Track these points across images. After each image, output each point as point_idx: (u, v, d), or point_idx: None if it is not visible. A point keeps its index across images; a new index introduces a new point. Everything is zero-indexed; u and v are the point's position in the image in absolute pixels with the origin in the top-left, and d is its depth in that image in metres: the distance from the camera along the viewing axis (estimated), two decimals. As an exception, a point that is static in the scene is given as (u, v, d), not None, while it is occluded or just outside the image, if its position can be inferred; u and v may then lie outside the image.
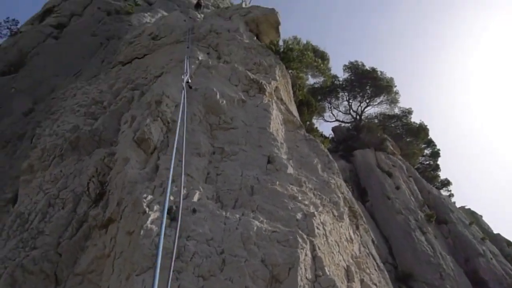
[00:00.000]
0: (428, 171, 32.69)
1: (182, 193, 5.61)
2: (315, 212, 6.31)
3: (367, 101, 33.54)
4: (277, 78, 11.36)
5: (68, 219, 6.84)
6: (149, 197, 6.01)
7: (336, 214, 7.28)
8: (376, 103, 33.56)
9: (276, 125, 9.24)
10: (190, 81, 8.68)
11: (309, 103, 15.82)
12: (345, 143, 29.24)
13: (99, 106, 9.53)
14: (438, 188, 30.33)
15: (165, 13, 24.73)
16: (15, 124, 12.33)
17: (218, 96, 8.84)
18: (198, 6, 29.35)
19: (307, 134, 10.02)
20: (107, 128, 8.50)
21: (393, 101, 33.37)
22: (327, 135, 31.49)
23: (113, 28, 21.55)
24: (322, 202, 7.33)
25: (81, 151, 8.14)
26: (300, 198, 6.73)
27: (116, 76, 11.56)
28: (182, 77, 8.39)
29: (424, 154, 33.75)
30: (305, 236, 5.47)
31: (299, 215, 6.07)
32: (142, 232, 5.16)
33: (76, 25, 23.20)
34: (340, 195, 8.20)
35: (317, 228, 5.91)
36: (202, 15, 27.28)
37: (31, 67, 18.76)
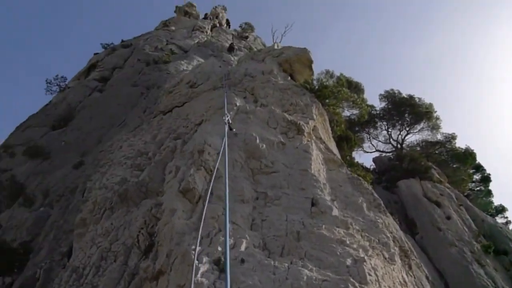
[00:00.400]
0: (480, 198, 31.01)
1: (227, 244, 5.62)
2: (365, 257, 6.15)
3: (407, 129, 32.76)
4: (314, 117, 11.44)
5: (120, 272, 7.03)
6: (198, 248, 6.09)
7: (387, 256, 7.05)
8: (417, 130, 32.68)
9: (317, 166, 9.23)
10: (231, 122, 8.93)
11: (348, 138, 15.72)
12: (388, 174, 28.48)
13: (144, 158, 9.93)
14: (493, 216, 28.59)
15: (200, 59, 25.84)
16: (66, 178, 13.04)
17: (257, 141, 9.00)
18: (231, 49, 30.54)
19: (349, 173, 9.91)
20: (153, 179, 8.80)
21: (435, 127, 32.43)
22: (368, 166, 30.93)
23: (153, 77, 22.71)
24: (371, 244, 7.14)
25: (129, 203, 8.45)
26: (348, 242, 6.60)
27: (158, 126, 12.05)
28: (224, 117, 8.65)
29: (474, 180, 32.16)
30: (357, 284, 5.33)
31: (349, 261, 5.94)
32: (192, 286, 5.22)
33: (118, 77, 24.67)
34: (389, 235, 7.95)
35: (369, 274, 5.74)
36: (236, 58, 28.28)
37: (78, 120, 19.97)
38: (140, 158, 9.95)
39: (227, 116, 8.94)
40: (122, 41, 32.57)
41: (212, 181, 7.45)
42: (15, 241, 10.14)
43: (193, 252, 5.96)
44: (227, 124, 8.66)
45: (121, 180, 9.15)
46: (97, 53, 31.16)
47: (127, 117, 18.04)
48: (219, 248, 6.02)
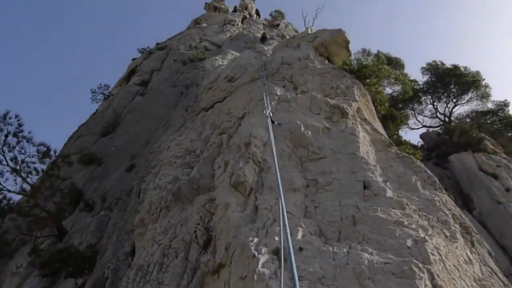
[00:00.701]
0: (542, 164, 29.22)
1: (288, 232, 5.66)
2: (426, 236, 6.01)
3: (454, 100, 31.34)
4: (357, 98, 11.22)
5: (182, 267, 7.30)
6: (255, 239, 6.20)
7: (448, 234, 6.84)
8: (465, 101, 31.17)
9: (366, 148, 9.07)
10: (271, 115, 8.93)
11: (393, 116, 15.28)
12: (438, 149, 27.42)
13: (192, 155, 10.17)
14: (557, 184, 26.86)
15: (234, 53, 25.95)
16: (121, 181, 13.63)
17: (302, 128, 8.97)
18: (264, 39, 30.42)
19: (399, 152, 9.66)
20: (203, 175, 9.02)
21: (484, 96, 30.79)
22: (416, 143, 29.94)
23: (190, 76, 23.12)
24: (430, 223, 6.95)
25: (183, 201, 8.72)
26: (406, 222, 6.46)
27: (202, 123, 12.29)
28: (264, 112, 8.67)
29: (532, 147, 30.34)
30: (420, 265, 5.22)
31: (409, 242, 5.82)
32: (255, 276, 5.33)
33: (157, 80, 25.32)
34: (448, 212, 7.71)
35: (432, 254, 5.60)
36: (270, 47, 28.15)
37: (125, 125, 20.75)
38: (188, 156, 10.20)
39: (268, 109, 8.93)
40: (157, 44, 33.33)
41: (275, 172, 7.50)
42: (81, 244, 10.78)
43: (251, 244, 6.08)
44: (269, 118, 8.65)
45: (173, 179, 9.44)
46: (135, 59, 32.13)
47: (170, 117, 18.50)
48: (276, 238, 6.09)
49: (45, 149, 13.99)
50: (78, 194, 14.86)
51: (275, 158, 6.77)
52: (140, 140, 18.17)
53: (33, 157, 13.98)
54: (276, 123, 9.09)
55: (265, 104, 9.51)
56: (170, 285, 6.96)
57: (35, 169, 13.96)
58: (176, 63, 26.43)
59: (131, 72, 29.75)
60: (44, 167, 14.55)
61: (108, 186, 14.14)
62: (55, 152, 14.68)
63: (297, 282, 3.98)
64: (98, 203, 12.97)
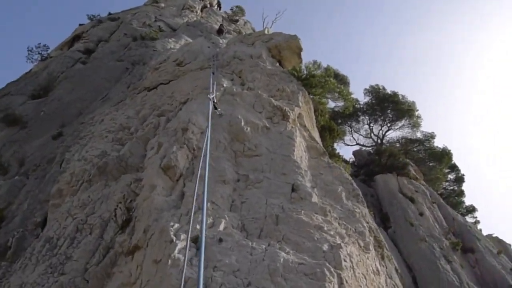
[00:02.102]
0: (453, 197, 31.95)
1: (204, 222, 5.58)
2: (342, 244, 6.24)
3: (389, 125, 33.31)
4: (300, 104, 11.44)
5: (95, 245, 6.95)
6: (176, 225, 6.07)
7: (362, 245, 7.17)
8: (398, 127, 33.31)
9: (300, 152, 9.26)
10: (216, 101, 8.81)
11: (331, 128, 15.81)
12: (366, 168, 28.95)
13: (126, 132, 9.77)
14: (463, 215, 29.52)
15: (188, 39, 25.40)
16: (44, 147, 12.73)
17: (242, 123, 8.96)
18: (220, 32, 30.07)
19: (330, 161, 9.99)
20: (134, 154, 8.68)
21: (415, 125, 33.06)
22: (348, 159, 31.31)
23: (138, 53, 22.24)
24: (348, 232, 7.24)
25: (108, 177, 8.32)
26: (326, 228, 6.67)
27: (142, 102, 11.86)
28: (209, 96, 8.53)
29: (448, 179, 33.07)
30: (332, 269, 5.40)
31: (325, 247, 6.01)
32: (169, 261, 5.20)
33: (103, 51, 24.04)
34: (365, 225, 8.08)
35: (344, 260, 5.83)
36: (225, 40, 27.92)
37: (59, 91, 19.44)
38: (121, 132, 9.78)
39: (212, 94, 8.80)
40: (109, 14, 31.69)
41: (201, 161, 7.37)
42: (-13, 208, 9.88)
43: (171, 228, 5.93)
44: (212, 102, 8.50)
45: (101, 153, 8.99)
46: (82, 24, 30.25)
47: (110, 91, 17.64)
48: (197, 227, 5.99)
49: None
50: (-6, 154, 13.63)
51: (208, 145, 6.64)
52: (73, 110, 17.11)
53: None
54: (218, 110, 8.98)
55: (211, 90, 9.35)
56: (78, 261, 6.59)
57: None
58: (126, 38, 25.30)
59: (75, 38, 27.96)
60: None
61: (29, 151, 13.13)
62: (-26, 105, 13.34)
63: (201, 270, 3.88)
64: (14, 167, 11.97)
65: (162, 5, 33.71)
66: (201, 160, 6.16)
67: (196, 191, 5.75)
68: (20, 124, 16.44)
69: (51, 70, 22.10)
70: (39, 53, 27.02)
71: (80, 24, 30.40)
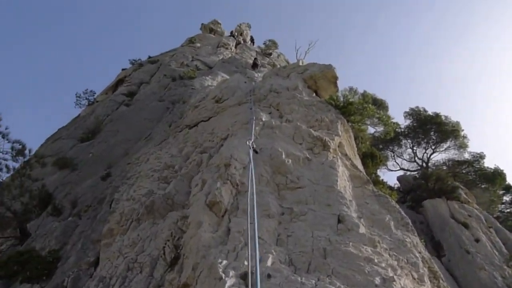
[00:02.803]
0: (511, 220, 29.96)
1: (258, 257, 5.59)
2: (394, 276, 6.03)
3: (433, 147, 32.18)
4: (340, 133, 11.39)
5: (146, 283, 7.09)
6: (224, 262, 6.10)
7: (416, 276, 6.88)
8: (443, 149, 32.09)
9: (343, 182, 9.15)
10: (255, 146, 8.94)
11: (373, 155, 15.54)
12: (413, 193, 27.91)
13: (170, 170, 10.08)
14: (524, 239, 27.51)
15: (224, 75, 26.21)
16: (94, 188, 13.33)
17: (283, 156, 9.03)
18: (254, 66, 30.87)
19: (375, 190, 9.78)
20: (179, 192, 8.92)
21: (462, 146, 31.75)
22: (392, 185, 30.38)
23: (178, 92, 23.16)
24: (400, 264, 6.99)
25: (155, 215, 8.56)
26: (376, 260, 6.48)
27: (184, 139, 12.24)
28: (247, 143, 8.69)
29: (504, 201, 31.17)
30: (386, 304, 5.22)
31: (377, 280, 5.82)
32: (220, 298, 5.23)
33: (145, 92, 25.25)
34: (417, 255, 7.77)
35: (399, 294, 5.61)
36: (260, 74, 28.55)
37: (105, 133, 20.48)
38: (166, 171, 10.10)
39: (251, 140, 8.92)
40: (149, 57, 33.44)
41: (249, 196, 7.47)
42: (44, 249, 10.37)
43: (220, 265, 5.98)
44: (251, 148, 8.61)
45: (148, 192, 9.29)
46: (124, 69, 32.08)
47: (153, 131, 18.37)
48: (245, 263, 6.01)
49: (20, 147, 13.63)
50: (48, 197, 14.41)
51: (253, 181, 6.75)
52: (119, 150, 17.92)
53: (6, 153, 13.59)
54: (259, 151, 9.07)
55: (250, 132, 9.55)
56: (130, 301, 6.73)
57: (6, 166, 13.55)
58: (166, 78, 26.50)
59: (119, 82, 29.63)
60: (17, 165, 14.16)
61: (80, 192, 13.78)
62: (30, 151, 14.31)
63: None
64: (67, 209, 12.59)
65: (198, 44, 35.18)
66: (248, 198, 6.25)
67: (247, 228, 5.82)
68: (71, 166, 17.37)
69: (98, 113, 23.41)
70: (86, 98, 28.79)
71: (122, 69, 32.24)
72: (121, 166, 13.95)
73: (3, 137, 13.30)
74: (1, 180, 13.55)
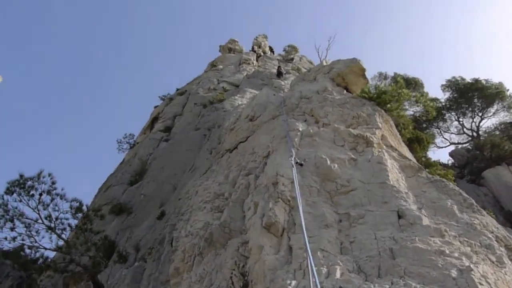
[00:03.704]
0: None
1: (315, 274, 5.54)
2: (471, 265, 5.77)
3: (480, 114, 30.79)
4: (380, 125, 11.14)
5: (221, 316, 7.18)
6: (293, 282, 6.08)
7: (494, 259, 6.54)
8: (491, 114, 30.65)
9: (395, 175, 8.92)
10: (298, 161, 8.91)
11: (419, 138, 15.01)
12: (470, 166, 26.72)
13: (221, 199, 10.22)
14: None
15: (252, 91, 26.44)
16: (152, 229, 13.74)
17: (328, 162, 8.93)
18: (279, 74, 30.97)
19: (430, 176, 9.43)
20: (234, 218, 9.01)
21: (511, 106, 30.14)
22: (446, 162, 29.21)
23: (211, 118, 23.56)
24: (474, 249, 6.68)
25: (216, 246, 8.69)
26: (447, 251, 6.23)
27: (227, 165, 12.40)
28: (290, 159, 8.69)
29: None
30: (469, 296, 4.99)
31: (454, 272, 5.59)
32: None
33: (180, 124, 25.89)
34: (490, 235, 7.39)
35: (480, 283, 5.36)
36: (286, 81, 28.58)
37: (152, 172, 21.11)
38: (217, 200, 10.25)
39: (292, 155, 8.92)
40: (177, 89, 34.37)
41: (301, 211, 7.43)
42: (118, 298, 10.81)
43: (289, 287, 5.96)
44: (294, 166, 8.58)
45: (204, 224, 9.46)
46: (156, 106, 33.11)
47: (196, 161, 18.76)
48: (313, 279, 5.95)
49: (77, 204, 14.35)
50: (112, 245, 15.02)
51: (299, 198, 6.72)
52: (168, 186, 18.40)
53: (66, 213, 14.34)
54: (303, 163, 9.01)
55: (289, 146, 9.56)
56: (211, 336, 6.83)
57: (69, 225, 14.30)
58: (197, 107, 27.07)
59: (154, 119, 30.60)
60: (77, 221, 14.90)
61: (140, 235, 14.25)
62: (87, 206, 15.02)
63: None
64: (132, 254, 13.04)
65: (220, 66, 35.79)
66: (300, 212, 6.23)
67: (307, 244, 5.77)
68: (126, 211, 18.01)
69: (141, 154, 24.23)
70: (127, 142, 29.94)
71: (155, 107, 33.28)
72: (173, 203, 14.30)
73: (61, 198, 14.06)
74: (67, 239, 14.29)
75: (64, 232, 14.33)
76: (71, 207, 14.24)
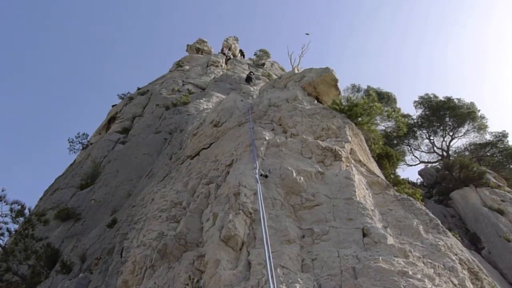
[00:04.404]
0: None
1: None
2: (433, 287, 5.94)
3: (451, 134, 32.11)
4: (350, 139, 11.38)
5: (171, 335, 7.03)
6: (250, 298, 6.06)
7: (456, 282, 6.77)
8: (462, 134, 32.03)
9: (362, 191, 9.11)
10: (263, 173, 8.94)
11: (389, 154, 15.46)
12: (438, 186, 27.71)
13: (178, 208, 10.08)
14: None
15: (219, 95, 26.43)
16: (101, 238, 13.34)
17: (294, 174, 9.01)
18: (249, 79, 31.13)
19: (397, 194, 9.70)
20: (191, 229, 8.89)
21: (481, 128, 31.65)
22: (415, 180, 30.17)
23: (174, 121, 23.33)
24: (437, 271, 6.89)
25: (170, 258, 8.52)
26: (410, 272, 6.39)
27: (187, 172, 12.27)
28: (253, 172, 8.70)
29: (537, 179, 30.78)
30: (430, 320, 5.13)
31: (416, 294, 5.74)
32: None
33: (139, 126, 25.46)
34: (454, 258, 7.65)
35: (441, 306, 5.52)
36: (256, 87, 28.75)
37: (105, 176, 20.58)
38: (174, 209, 10.10)
39: (256, 168, 8.91)
40: (138, 88, 33.82)
41: (264, 223, 7.43)
42: (58, 312, 10.37)
43: (246, 304, 5.93)
44: (258, 178, 8.58)
45: (158, 235, 9.28)
46: (115, 105, 32.41)
47: (154, 166, 18.46)
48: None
49: (19, 207, 13.75)
50: (55, 254, 14.44)
51: (262, 211, 6.74)
52: (122, 192, 17.98)
53: (5, 216, 13.72)
54: (268, 174, 9.04)
55: (253, 156, 9.59)
56: None
57: (7, 229, 13.66)
58: (159, 108, 26.74)
59: (111, 119, 29.94)
60: (17, 226, 14.26)
61: (88, 244, 13.79)
62: (29, 210, 14.41)
63: None
64: (77, 264, 12.58)
65: (187, 67, 35.57)
66: (262, 226, 6.24)
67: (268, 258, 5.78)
68: (74, 217, 17.42)
69: (94, 156, 23.57)
70: (80, 142, 29.04)
71: (113, 105, 32.55)
72: (126, 210, 13.98)
73: (0, 200, 13.43)
74: (4, 245, 13.63)
75: (1, 237, 13.68)
76: (11, 210, 13.63)
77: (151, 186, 13.69)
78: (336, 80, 15.22)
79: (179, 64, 36.88)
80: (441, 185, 27.35)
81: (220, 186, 9.80)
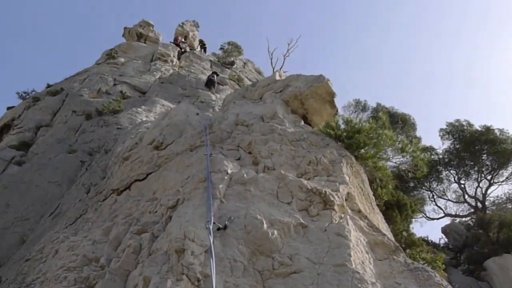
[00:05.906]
0: None
1: None
2: None
3: (489, 177, 32.84)
4: (347, 179, 11.53)
5: None
6: None
7: None
8: (504, 178, 32.76)
9: (360, 255, 9.20)
10: (220, 225, 8.91)
11: (401, 203, 15.68)
12: (469, 250, 28.27)
13: (93, 267, 9.90)
14: None
15: (166, 103, 26.48)
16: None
17: (265, 226, 9.03)
18: (210, 83, 31.26)
19: (409, 261, 9.84)
20: (110, 300, 8.76)
21: (531, 171, 32.59)
22: (436, 241, 30.68)
23: (97, 137, 23.17)
24: None
25: None
26: None
27: (111, 214, 12.15)
28: (206, 226, 8.66)
29: None
30: None
31: None
32: None
33: (45, 141, 25.14)
34: None
35: None
36: (219, 95, 28.95)
37: (-11, 211, 20.05)
38: (87, 267, 9.91)
39: (211, 221, 8.83)
40: (48, 85, 33.42)
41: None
42: None
43: None
44: (211, 231, 8.53)
45: (61, 307, 9.10)
46: (11, 107, 31.86)
47: (62, 201, 18.17)
48: None
49: None
50: None
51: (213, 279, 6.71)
52: (11, 237, 17.61)
53: None
54: (226, 223, 9.04)
55: (208, 196, 9.58)
56: None
57: None
58: (77, 116, 26.51)
59: (4, 128, 29.40)
60: None
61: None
62: None
63: None
64: None
65: (122, 59, 35.51)
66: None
67: None
68: None
69: (-28, 181, 22.97)
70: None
71: (8, 108, 31.98)
72: (16, 265, 13.64)
73: None
74: None
75: None
76: None
77: (56, 231, 13.44)
78: (332, 94, 15.43)
79: (111, 55, 36.71)
80: (472, 248, 27.90)
81: (157, 237, 9.73)
